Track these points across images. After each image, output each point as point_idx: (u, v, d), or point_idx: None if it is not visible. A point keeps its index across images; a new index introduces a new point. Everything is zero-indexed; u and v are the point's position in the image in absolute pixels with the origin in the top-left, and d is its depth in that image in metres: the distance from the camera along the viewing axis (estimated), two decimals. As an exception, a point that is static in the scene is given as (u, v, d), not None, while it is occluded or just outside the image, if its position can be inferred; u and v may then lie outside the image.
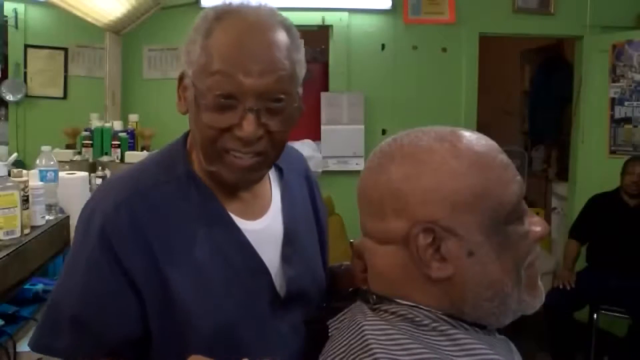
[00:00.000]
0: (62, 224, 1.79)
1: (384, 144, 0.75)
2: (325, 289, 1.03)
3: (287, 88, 0.85)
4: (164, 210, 0.88)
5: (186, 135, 0.96)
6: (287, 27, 0.87)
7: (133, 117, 3.41)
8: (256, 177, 0.92)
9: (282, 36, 0.84)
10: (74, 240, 0.92)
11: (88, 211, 0.90)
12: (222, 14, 0.84)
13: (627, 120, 3.76)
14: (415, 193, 0.67)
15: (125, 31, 3.59)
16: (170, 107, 3.95)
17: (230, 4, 0.86)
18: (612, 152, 3.82)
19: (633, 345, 3.08)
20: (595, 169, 3.91)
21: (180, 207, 0.89)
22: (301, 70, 0.89)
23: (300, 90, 0.90)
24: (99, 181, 2.65)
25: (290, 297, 0.95)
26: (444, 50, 3.97)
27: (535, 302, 0.72)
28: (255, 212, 0.95)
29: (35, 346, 0.90)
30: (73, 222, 1.95)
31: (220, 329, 0.86)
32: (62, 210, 1.89)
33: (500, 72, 5.52)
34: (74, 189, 2.09)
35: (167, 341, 0.86)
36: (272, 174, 1.01)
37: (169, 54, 3.85)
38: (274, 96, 0.83)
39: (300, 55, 0.89)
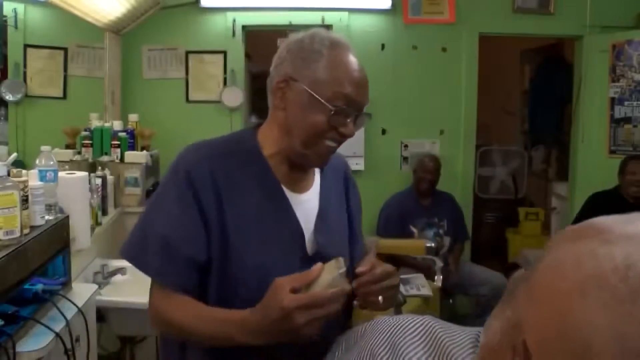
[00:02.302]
0: (62, 224, 1.79)
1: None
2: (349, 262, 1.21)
3: (368, 102, 1.17)
4: (232, 171, 1.16)
5: (257, 126, 1.25)
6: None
7: (133, 117, 3.41)
8: (328, 161, 1.22)
9: (364, 69, 1.17)
10: (162, 181, 1.20)
11: (176, 162, 1.18)
12: (335, 44, 1.15)
13: (627, 120, 3.76)
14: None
15: (125, 31, 3.59)
16: (170, 106, 3.96)
17: (333, 36, 1.18)
18: (612, 151, 3.82)
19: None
20: (595, 169, 3.90)
21: (244, 172, 1.17)
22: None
23: None
24: (98, 181, 2.65)
25: (316, 258, 1.13)
26: (444, 50, 3.97)
27: None
28: (301, 188, 1.24)
29: (126, 256, 1.16)
30: (73, 221, 1.95)
31: (258, 268, 1.11)
32: (61, 210, 1.89)
33: (500, 71, 5.52)
34: (74, 188, 2.09)
35: (220, 267, 1.13)
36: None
37: (169, 54, 3.85)
38: (363, 107, 1.16)
39: None
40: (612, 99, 3.83)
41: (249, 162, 1.19)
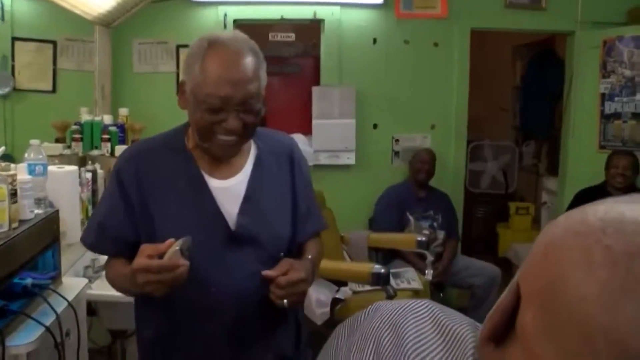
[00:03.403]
0: (52, 218, 1.77)
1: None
2: (286, 245, 1.40)
3: (255, 95, 1.26)
4: (157, 166, 1.35)
5: (187, 123, 1.39)
6: (255, 50, 1.29)
7: (123, 111, 3.38)
8: (234, 151, 1.35)
9: (250, 59, 1.26)
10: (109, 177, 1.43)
11: (116, 161, 1.41)
12: (212, 44, 1.25)
13: (616, 115, 3.78)
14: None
15: (114, 24, 3.56)
16: (161, 100, 3.93)
17: (217, 35, 1.27)
18: (602, 147, 3.84)
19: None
20: (584, 164, 3.93)
21: (168, 165, 1.35)
22: (264, 80, 1.30)
23: (263, 93, 1.31)
24: (88, 175, 2.63)
25: (241, 238, 1.33)
26: (436, 45, 3.98)
27: None
28: (225, 175, 1.37)
29: (81, 239, 1.43)
30: (63, 215, 1.94)
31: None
32: (51, 204, 1.88)
33: (492, 67, 5.53)
34: (64, 182, 2.08)
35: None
36: (252, 152, 1.42)
37: (159, 48, 3.83)
38: (247, 101, 1.25)
39: (263, 69, 1.30)
40: (603, 94, 3.85)
41: (174, 155, 1.36)
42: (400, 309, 0.68)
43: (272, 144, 1.45)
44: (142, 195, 1.33)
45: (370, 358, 0.64)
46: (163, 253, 1.18)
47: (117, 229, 1.35)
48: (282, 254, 1.37)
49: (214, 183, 1.35)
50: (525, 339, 0.45)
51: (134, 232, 1.34)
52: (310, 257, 1.42)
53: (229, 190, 1.36)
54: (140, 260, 1.18)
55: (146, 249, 1.20)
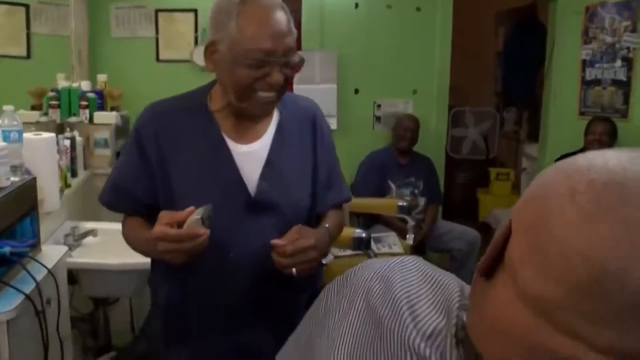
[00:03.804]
0: (29, 185, 1.75)
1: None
2: (306, 214, 1.39)
3: (292, 48, 1.25)
4: (177, 127, 1.33)
5: (209, 85, 1.39)
6: (283, 6, 1.27)
7: (101, 77, 3.32)
8: (271, 109, 1.34)
9: (282, 13, 1.25)
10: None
11: (136, 119, 1.39)
12: (244, 1, 1.23)
13: (597, 82, 3.80)
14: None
15: (90, -13, 3.47)
16: (140, 66, 3.85)
17: None
18: (582, 113, 3.87)
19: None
20: (565, 130, 3.96)
21: (190, 126, 1.33)
22: (295, 35, 1.28)
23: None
24: (67, 142, 2.59)
25: (260, 204, 1.32)
26: (418, 9, 3.94)
27: None
28: (249, 139, 1.35)
29: (98, 198, 1.43)
30: (41, 183, 1.92)
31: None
32: (28, 172, 1.85)
33: (474, 33, 5.51)
34: (41, 149, 2.05)
35: (168, 209, 1.25)
36: (274, 117, 1.39)
37: (138, 12, 3.74)
38: (287, 54, 1.24)
39: (292, 24, 1.28)
40: (584, 61, 3.86)
41: (196, 117, 1.34)
42: (388, 263, 0.70)
43: (294, 109, 1.42)
44: (162, 155, 1.31)
45: (361, 306, 0.66)
46: (182, 221, 1.16)
47: (133, 189, 1.35)
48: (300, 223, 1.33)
49: (235, 147, 1.33)
50: (511, 267, 0.48)
51: (150, 192, 1.33)
52: (327, 225, 1.38)
53: (251, 155, 1.34)
54: (160, 228, 1.17)
55: (164, 216, 1.19)
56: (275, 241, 1.24)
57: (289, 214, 1.34)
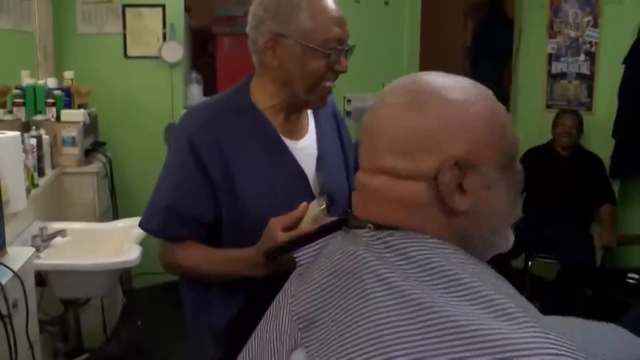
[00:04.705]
0: (-6, 186, 1.72)
1: (404, 82, 0.76)
2: (348, 202, 1.33)
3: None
4: (232, 129, 1.25)
5: (247, 80, 1.32)
6: None
7: (68, 74, 3.26)
8: (327, 99, 1.31)
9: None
10: (168, 151, 1.29)
11: (178, 127, 1.28)
12: None
13: (562, 75, 3.88)
14: (445, 131, 0.69)
15: (54, -18, 3.40)
16: (108, 62, 3.78)
17: None
18: (549, 106, 3.95)
19: (559, 288, 3.28)
20: (532, 123, 4.03)
21: (243, 127, 1.26)
22: None
23: None
24: (33, 141, 2.54)
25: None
26: (387, 3, 3.96)
27: (512, 238, 0.78)
28: (298, 135, 1.33)
29: (142, 225, 1.30)
30: (5, 183, 1.88)
31: (266, 218, 1.15)
32: (-8, 172, 1.81)
33: (443, 26, 5.56)
34: (5, 148, 2.00)
35: (232, 223, 1.23)
36: (309, 111, 1.37)
37: (104, 8, 3.68)
38: (348, 41, 1.26)
39: None
40: (550, 54, 3.93)
41: (245, 118, 1.27)
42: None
43: None
44: (224, 161, 1.22)
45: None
46: (299, 220, 1.11)
47: (196, 209, 1.22)
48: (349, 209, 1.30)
49: (290, 144, 1.30)
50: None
51: (213, 210, 1.23)
52: None
53: (304, 150, 1.32)
54: (283, 234, 1.09)
55: (278, 221, 1.12)
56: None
57: (342, 204, 1.32)
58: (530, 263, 3.48)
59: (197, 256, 1.26)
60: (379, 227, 0.71)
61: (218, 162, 1.21)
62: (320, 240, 0.79)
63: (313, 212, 1.11)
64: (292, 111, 1.31)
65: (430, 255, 0.65)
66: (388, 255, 0.66)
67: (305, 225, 1.09)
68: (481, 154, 0.69)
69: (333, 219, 0.81)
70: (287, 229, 1.10)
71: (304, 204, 1.13)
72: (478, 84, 0.76)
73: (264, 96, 1.29)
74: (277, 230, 1.11)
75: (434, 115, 0.70)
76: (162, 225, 1.25)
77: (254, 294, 1.19)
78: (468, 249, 0.70)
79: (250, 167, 1.24)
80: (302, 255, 0.79)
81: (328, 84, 1.26)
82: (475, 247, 0.72)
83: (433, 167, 0.68)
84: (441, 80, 0.75)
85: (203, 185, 1.21)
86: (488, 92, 0.76)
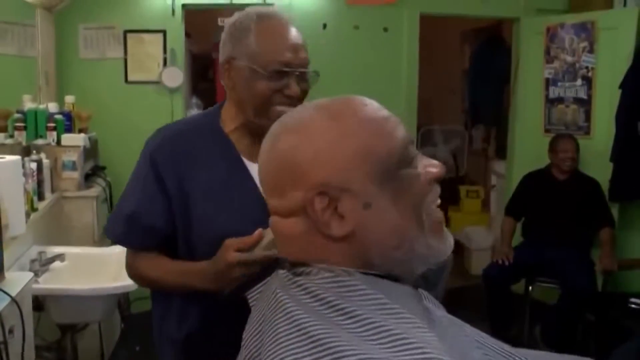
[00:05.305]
0: (-7, 211, 1.72)
1: (273, 125, 0.80)
2: None
3: (307, 62, 1.28)
4: (193, 149, 1.29)
5: (222, 104, 1.37)
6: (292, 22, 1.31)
7: (69, 99, 3.28)
8: None
9: (296, 29, 1.28)
10: (135, 165, 1.33)
11: (145, 143, 1.32)
12: (260, 16, 1.26)
13: (559, 100, 3.91)
14: (304, 161, 0.71)
15: (58, 8, 3.44)
16: (109, 87, 3.81)
17: (261, 9, 1.30)
18: (547, 130, 3.97)
19: (560, 313, 3.26)
20: (531, 147, 4.05)
21: (207, 148, 1.29)
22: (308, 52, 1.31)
23: None
24: (33, 165, 2.55)
25: None
26: (386, 30, 4.00)
27: (444, 247, 0.75)
28: None
29: (104, 231, 1.36)
30: (5, 207, 1.88)
31: (221, 237, 1.18)
32: (-8, 196, 1.81)
33: (441, 51, 5.62)
34: (5, 172, 2.01)
35: (184, 236, 1.27)
36: None
37: (106, 33, 3.72)
38: (304, 67, 1.27)
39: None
40: (547, 79, 3.97)
41: (210, 139, 1.31)
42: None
43: None
44: (179, 178, 1.26)
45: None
46: (253, 245, 1.14)
47: (153, 219, 1.27)
48: None
49: (252, 167, 1.30)
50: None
51: (169, 221, 1.28)
52: None
53: None
54: (234, 255, 1.13)
55: (232, 243, 1.15)
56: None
57: None
58: (530, 288, 3.46)
59: (157, 267, 1.30)
60: (294, 264, 0.73)
61: (174, 179, 1.27)
62: (264, 281, 0.81)
63: (268, 238, 1.13)
64: (255, 134, 1.29)
65: (327, 295, 0.67)
66: (298, 293, 0.69)
67: (258, 251, 1.13)
68: (346, 174, 0.69)
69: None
70: (239, 251, 1.14)
71: (259, 230, 1.14)
72: (336, 103, 0.77)
73: (228, 119, 1.34)
74: (229, 251, 1.15)
75: (289, 153, 0.73)
76: (125, 233, 1.30)
77: (211, 309, 1.27)
78: (374, 268, 0.71)
79: (206, 187, 1.27)
80: (252, 294, 0.82)
81: (280, 108, 1.24)
82: (380, 265, 0.71)
83: (301, 200, 0.70)
84: (296, 116, 0.77)
85: (161, 199, 1.27)
86: (344, 109, 0.75)
